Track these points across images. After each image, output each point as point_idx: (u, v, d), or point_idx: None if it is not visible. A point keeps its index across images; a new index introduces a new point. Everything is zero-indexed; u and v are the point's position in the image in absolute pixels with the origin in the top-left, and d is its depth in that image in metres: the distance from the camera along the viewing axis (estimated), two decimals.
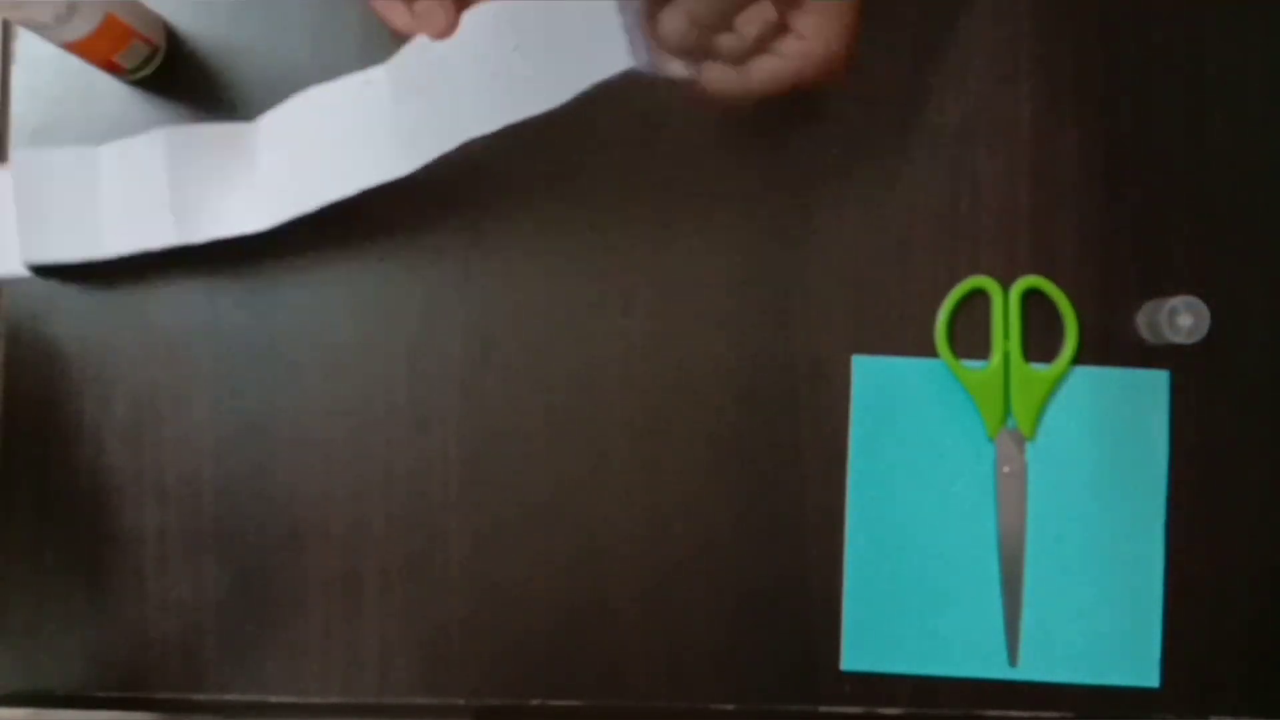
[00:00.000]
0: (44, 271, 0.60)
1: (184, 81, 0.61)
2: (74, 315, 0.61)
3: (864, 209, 0.60)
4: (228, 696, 0.60)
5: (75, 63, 0.60)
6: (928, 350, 0.60)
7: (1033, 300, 0.60)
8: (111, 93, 0.61)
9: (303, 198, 0.57)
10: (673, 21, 0.49)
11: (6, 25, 0.62)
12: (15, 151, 0.60)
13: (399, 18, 0.53)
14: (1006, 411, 0.60)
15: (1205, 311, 0.57)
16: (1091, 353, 0.60)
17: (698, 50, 0.51)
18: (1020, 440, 0.60)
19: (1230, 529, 0.59)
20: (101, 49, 0.57)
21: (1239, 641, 0.59)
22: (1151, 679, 0.59)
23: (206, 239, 0.58)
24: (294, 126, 0.58)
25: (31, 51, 0.61)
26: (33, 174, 0.59)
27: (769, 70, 0.51)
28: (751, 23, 0.50)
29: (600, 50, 0.50)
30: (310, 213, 0.57)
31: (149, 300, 0.61)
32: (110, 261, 0.60)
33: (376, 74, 0.56)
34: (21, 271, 0.60)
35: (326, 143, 0.57)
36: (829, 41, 0.51)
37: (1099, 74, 0.60)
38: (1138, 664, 0.59)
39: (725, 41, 0.51)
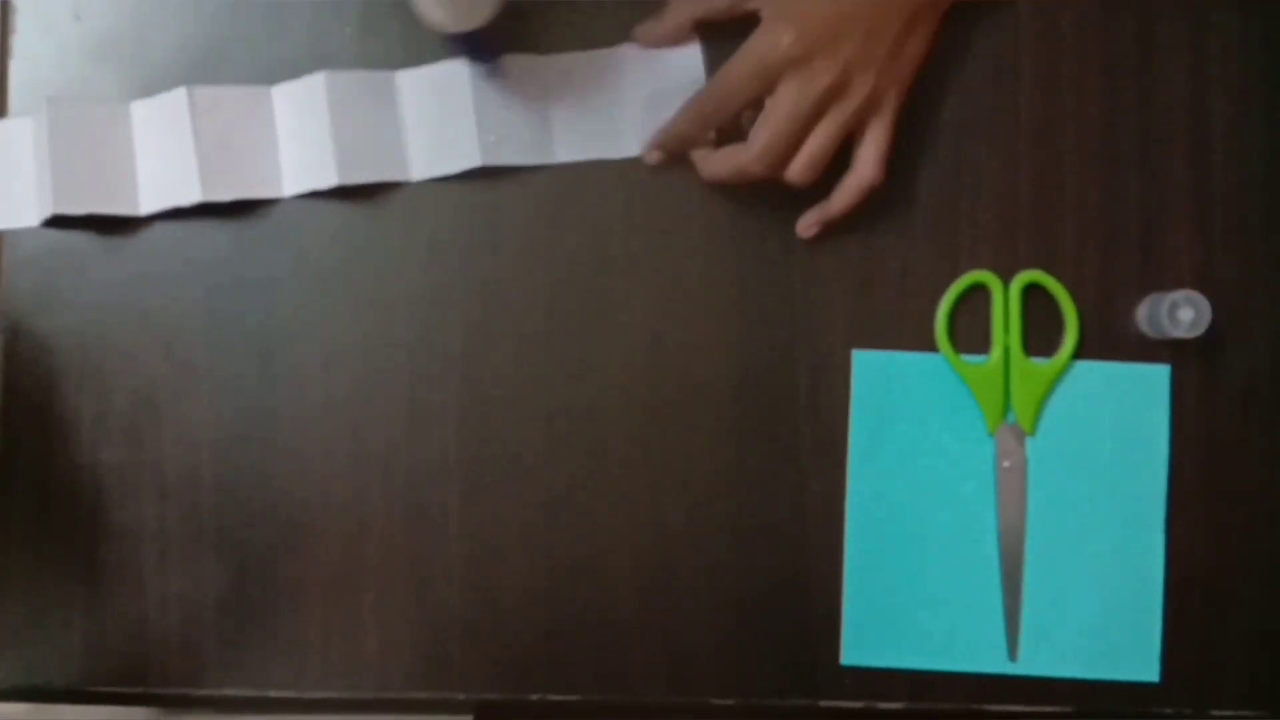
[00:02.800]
0: (54, 225, 0.60)
1: (181, 76, 0.61)
2: (74, 311, 0.61)
3: (864, 203, 0.60)
4: (227, 691, 0.60)
5: (72, 58, 0.60)
6: (928, 345, 0.60)
7: (1033, 294, 0.60)
8: (108, 86, 0.61)
9: (317, 174, 0.59)
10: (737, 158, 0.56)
11: (5, 20, 0.62)
12: (48, 101, 0.59)
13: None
14: (1007, 406, 0.60)
15: (1206, 306, 0.57)
16: (1092, 347, 0.60)
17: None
18: (1020, 435, 0.59)
19: (1230, 524, 0.59)
20: None
21: (1239, 636, 0.59)
22: (1151, 673, 0.59)
23: (231, 199, 0.59)
24: (310, 103, 0.59)
25: (29, 48, 0.61)
26: (66, 125, 0.59)
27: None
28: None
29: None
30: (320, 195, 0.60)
31: (149, 296, 0.61)
32: (109, 257, 0.60)
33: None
34: (32, 224, 0.60)
35: (325, 130, 0.59)
36: (879, 169, 0.57)
37: (1099, 71, 0.60)
38: (1138, 658, 0.59)
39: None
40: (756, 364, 0.60)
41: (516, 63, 0.59)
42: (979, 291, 0.60)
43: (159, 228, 0.60)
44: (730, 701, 0.59)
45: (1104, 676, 0.59)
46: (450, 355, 0.60)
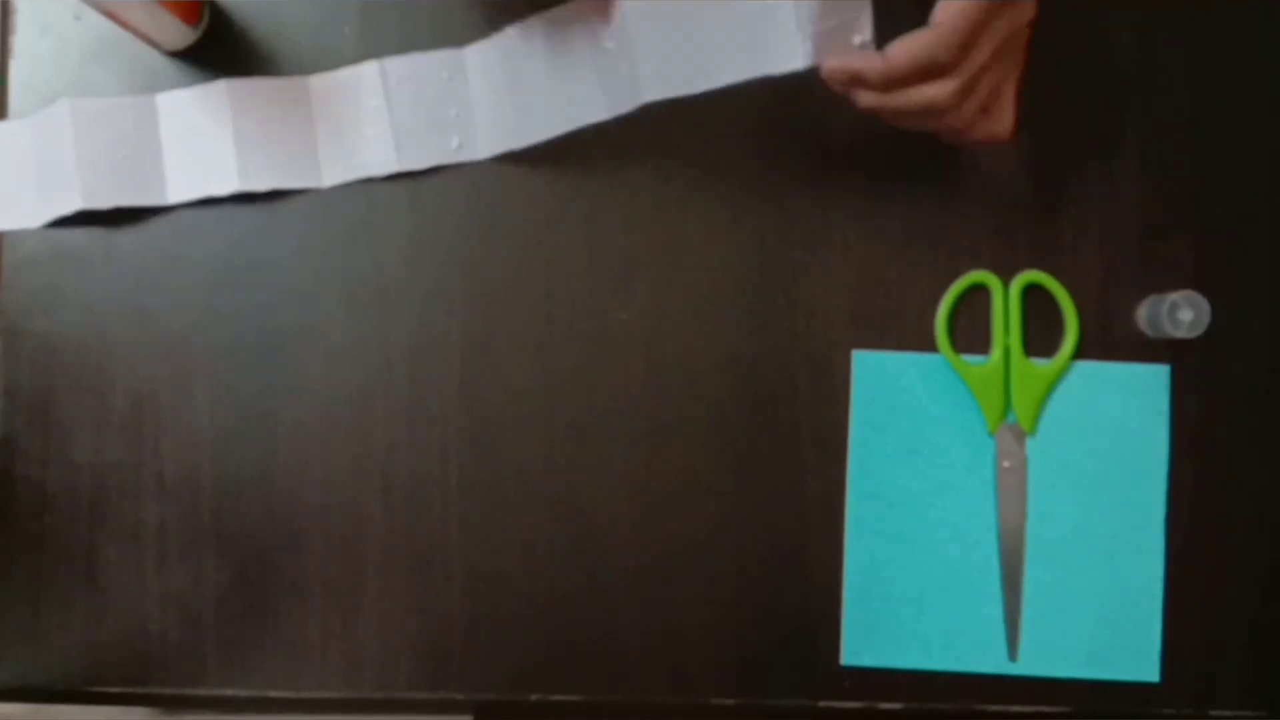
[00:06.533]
0: (53, 226, 0.60)
1: (181, 76, 0.61)
2: (74, 310, 0.61)
3: (865, 204, 0.60)
4: (227, 691, 0.60)
5: (71, 56, 0.60)
6: (928, 345, 0.60)
7: (1033, 295, 0.60)
8: (106, 85, 0.61)
9: (359, 166, 0.60)
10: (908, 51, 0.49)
11: (5, 20, 0.62)
12: (65, 100, 0.60)
13: None
14: (1007, 406, 0.60)
15: (1206, 306, 0.57)
16: (1092, 347, 0.60)
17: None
18: (1020, 435, 0.59)
19: (1230, 523, 0.59)
20: None
21: (1239, 636, 0.59)
22: (1151, 674, 0.59)
23: (268, 188, 0.60)
24: (348, 94, 0.60)
25: (29, 48, 0.61)
26: (89, 120, 0.59)
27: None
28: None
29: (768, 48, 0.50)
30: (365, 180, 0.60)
31: (148, 295, 0.61)
32: (109, 257, 0.60)
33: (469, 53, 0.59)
34: (33, 225, 0.60)
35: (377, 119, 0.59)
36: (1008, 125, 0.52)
37: (1098, 70, 0.60)
38: (1138, 658, 0.59)
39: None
40: (757, 363, 0.60)
41: None
42: (979, 292, 0.60)
43: (159, 228, 0.60)
44: (730, 702, 0.59)
45: (1104, 676, 0.59)
46: (450, 356, 0.60)
